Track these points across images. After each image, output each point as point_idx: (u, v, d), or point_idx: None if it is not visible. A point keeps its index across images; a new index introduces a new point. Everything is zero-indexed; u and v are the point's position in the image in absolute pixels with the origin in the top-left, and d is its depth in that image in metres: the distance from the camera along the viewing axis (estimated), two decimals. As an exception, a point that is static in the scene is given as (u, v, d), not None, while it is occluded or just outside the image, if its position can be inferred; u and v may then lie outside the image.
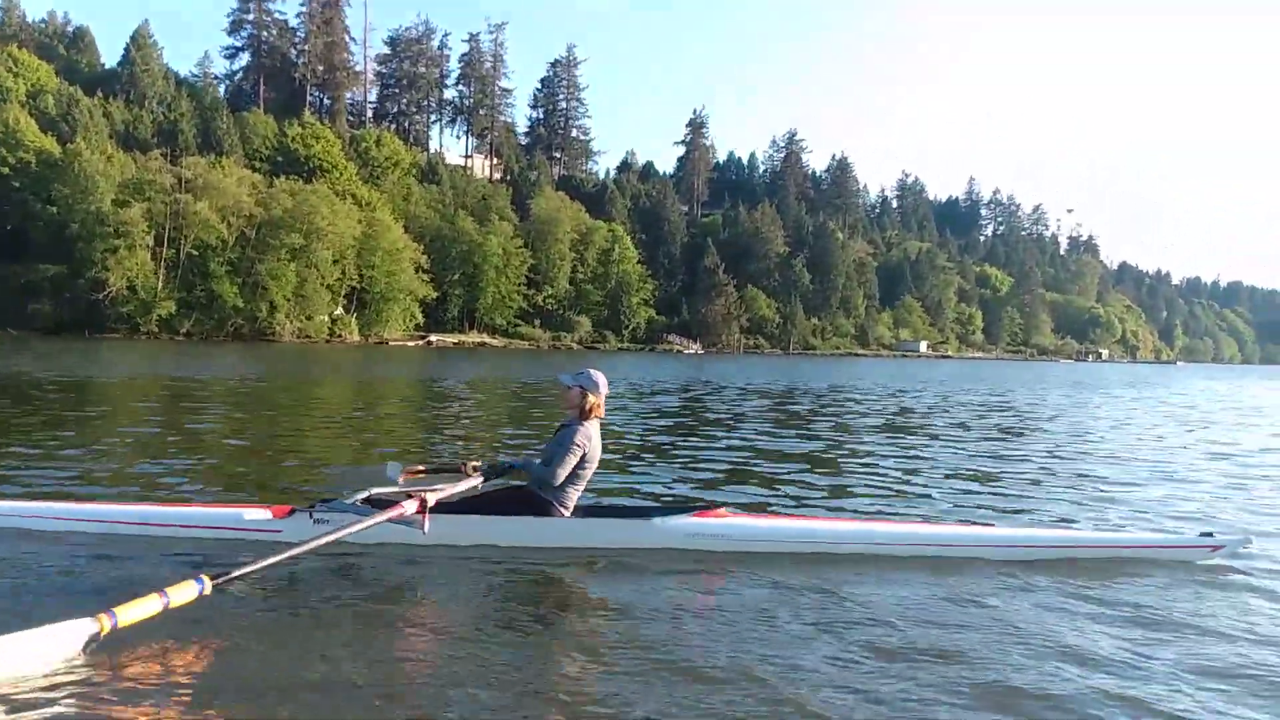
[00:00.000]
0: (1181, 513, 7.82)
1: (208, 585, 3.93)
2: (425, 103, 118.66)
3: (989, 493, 8.44)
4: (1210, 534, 5.91)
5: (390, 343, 77.30)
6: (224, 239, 71.80)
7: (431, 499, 5.09)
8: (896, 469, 9.90)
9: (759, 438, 12.92)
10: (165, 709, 3.19)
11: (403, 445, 11.21)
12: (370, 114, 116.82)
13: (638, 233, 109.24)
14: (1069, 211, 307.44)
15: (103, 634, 3.58)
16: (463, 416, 15.38)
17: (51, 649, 3.47)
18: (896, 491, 8.34)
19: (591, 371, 5.66)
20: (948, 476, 9.42)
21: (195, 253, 71.06)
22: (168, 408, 15.52)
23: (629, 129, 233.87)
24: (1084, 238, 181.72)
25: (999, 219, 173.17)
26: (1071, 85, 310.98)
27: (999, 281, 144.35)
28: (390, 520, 4.94)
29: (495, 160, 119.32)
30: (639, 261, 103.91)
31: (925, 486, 8.67)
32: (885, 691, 3.47)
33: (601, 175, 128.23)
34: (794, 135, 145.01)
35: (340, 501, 5.37)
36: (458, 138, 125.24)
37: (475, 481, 5.60)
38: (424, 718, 3.18)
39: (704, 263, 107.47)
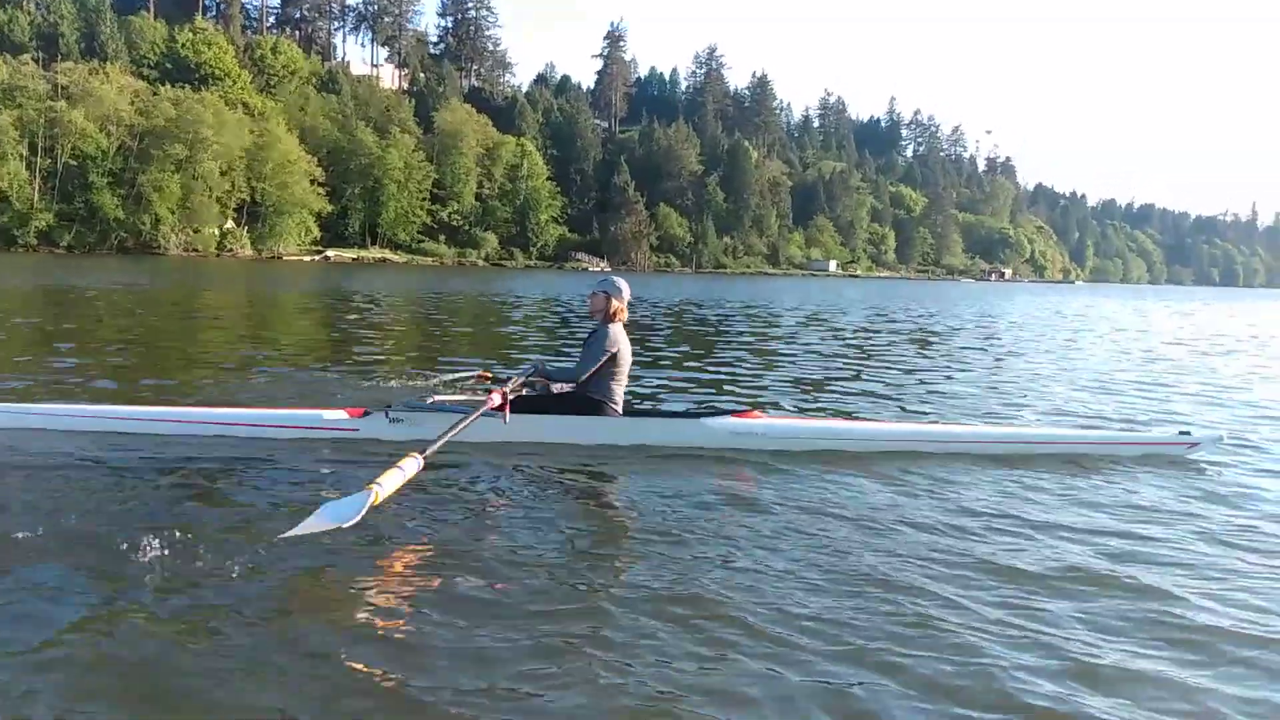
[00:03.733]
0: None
1: (421, 460, 4.14)
2: (328, 8, 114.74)
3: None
4: (1188, 432, 6.35)
5: (284, 258, 76.08)
6: (104, 149, 69.47)
7: (510, 394, 5.46)
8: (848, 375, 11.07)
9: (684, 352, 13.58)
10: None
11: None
12: (272, 20, 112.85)
13: (549, 148, 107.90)
14: (988, 133, 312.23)
15: (375, 503, 3.71)
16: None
17: (337, 521, 3.57)
18: (876, 397, 9.24)
19: (614, 278, 6.14)
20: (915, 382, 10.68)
21: (74, 163, 68.61)
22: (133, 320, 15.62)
23: (552, 43, 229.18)
24: (1001, 159, 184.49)
25: (919, 140, 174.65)
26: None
27: (913, 202, 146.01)
28: (481, 414, 5.18)
29: (404, 71, 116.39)
30: (549, 178, 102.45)
31: (907, 392, 9.72)
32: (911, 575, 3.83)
33: (523, 89, 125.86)
34: (714, 51, 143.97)
35: (413, 400, 5.77)
36: (362, 46, 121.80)
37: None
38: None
39: (615, 180, 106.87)
